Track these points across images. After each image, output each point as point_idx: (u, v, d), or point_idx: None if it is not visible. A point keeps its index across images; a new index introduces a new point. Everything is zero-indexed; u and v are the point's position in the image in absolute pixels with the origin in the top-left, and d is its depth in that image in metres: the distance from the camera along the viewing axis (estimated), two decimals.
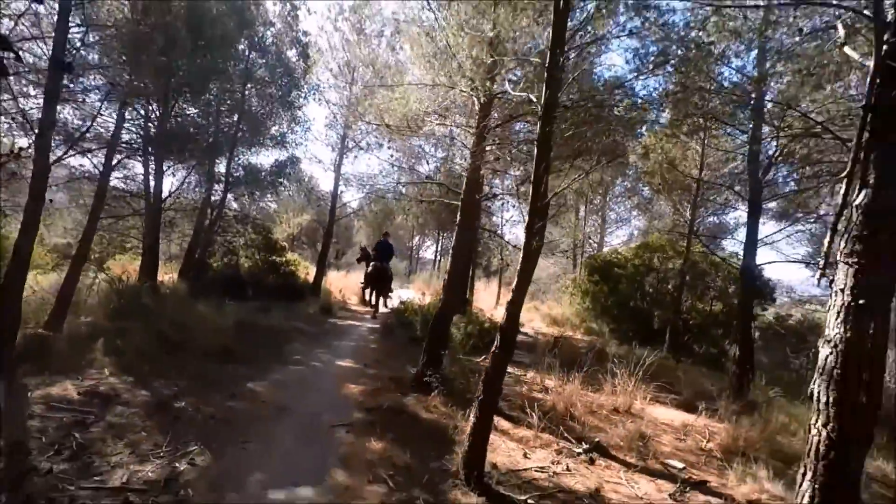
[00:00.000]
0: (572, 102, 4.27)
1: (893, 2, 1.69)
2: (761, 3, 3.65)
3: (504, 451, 3.56)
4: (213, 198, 10.01)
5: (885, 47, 1.63)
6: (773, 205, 7.64)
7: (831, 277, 1.74)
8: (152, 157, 7.97)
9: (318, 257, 12.19)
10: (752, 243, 6.29)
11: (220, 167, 9.74)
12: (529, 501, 2.81)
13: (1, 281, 4.38)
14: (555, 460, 3.47)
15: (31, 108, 5.41)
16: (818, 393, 1.66)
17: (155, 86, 6.98)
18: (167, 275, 10.10)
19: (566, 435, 3.87)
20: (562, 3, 2.64)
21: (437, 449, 3.40)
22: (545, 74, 2.92)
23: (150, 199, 8.19)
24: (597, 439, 3.80)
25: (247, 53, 9.38)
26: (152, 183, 8.06)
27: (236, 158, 9.89)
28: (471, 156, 4.72)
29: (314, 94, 10.95)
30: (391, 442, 3.44)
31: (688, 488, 3.23)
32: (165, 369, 4.60)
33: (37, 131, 4.65)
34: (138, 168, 8.16)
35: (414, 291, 13.29)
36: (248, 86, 9.52)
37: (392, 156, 8.13)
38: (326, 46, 11.47)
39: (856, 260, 1.62)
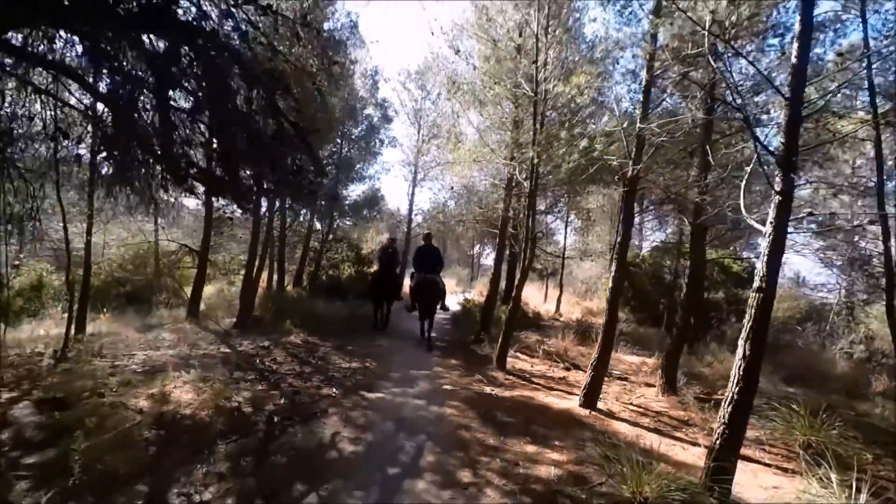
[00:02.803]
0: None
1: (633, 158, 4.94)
2: None
3: (519, 365, 6.98)
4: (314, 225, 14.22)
5: (627, 179, 4.91)
6: None
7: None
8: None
9: (400, 268, 16.02)
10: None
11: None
12: (527, 375, 6.23)
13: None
14: (547, 368, 6.85)
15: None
16: (607, 305, 4.95)
17: None
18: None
19: (556, 360, 7.23)
20: (533, 172, 6.05)
21: (485, 363, 6.87)
22: (529, 181, 6.33)
23: (273, 230, 12.35)
24: (574, 363, 7.13)
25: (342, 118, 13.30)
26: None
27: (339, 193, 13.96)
28: (503, 203, 8.21)
29: (392, 142, 14.89)
30: (461, 359, 6.97)
31: (615, 379, 6.50)
32: (327, 334, 8.36)
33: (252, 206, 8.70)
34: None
35: (475, 294, 16.78)
36: (343, 140, 13.53)
37: (452, 188, 11.68)
38: (398, 102, 15.41)
39: (617, 263, 4.91)
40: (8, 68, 4.28)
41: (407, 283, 10.29)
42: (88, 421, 3.61)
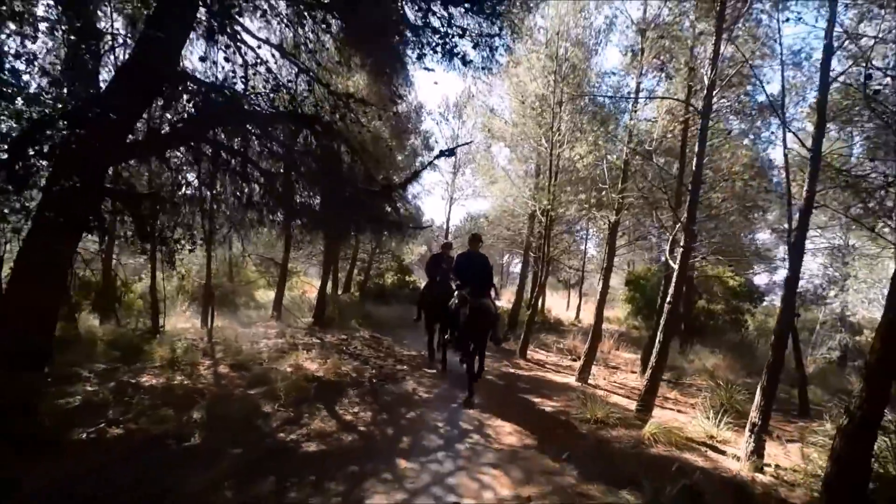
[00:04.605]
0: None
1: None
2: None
3: (537, 357, 9.33)
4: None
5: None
6: None
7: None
8: None
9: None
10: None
11: None
12: (542, 363, 8.59)
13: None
14: (558, 360, 9.19)
15: None
16: (595, 312, 7.25)
17: None
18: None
19: (566, 354, 9.56)
20: (547, 223, 8.42)
21: (511, 354, 9.25)
22: (545, 219, 8.70)
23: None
24: (581, 356, 9.44)
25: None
26: None
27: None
28: (527, 230, 10.60)
29: (433, 168, 17.45)
30: (492, 351, 9.36)
31: (609, 368, 8.79)
32: (385, 331, 10.87)
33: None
34: None
35: (504, 300, 19.10)
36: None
37: (486, 217, 14.14)
38: (437, 130, 18.01)
39: (603, 283, 7.22)
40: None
41: None
42: (270, 375, 6.16)
